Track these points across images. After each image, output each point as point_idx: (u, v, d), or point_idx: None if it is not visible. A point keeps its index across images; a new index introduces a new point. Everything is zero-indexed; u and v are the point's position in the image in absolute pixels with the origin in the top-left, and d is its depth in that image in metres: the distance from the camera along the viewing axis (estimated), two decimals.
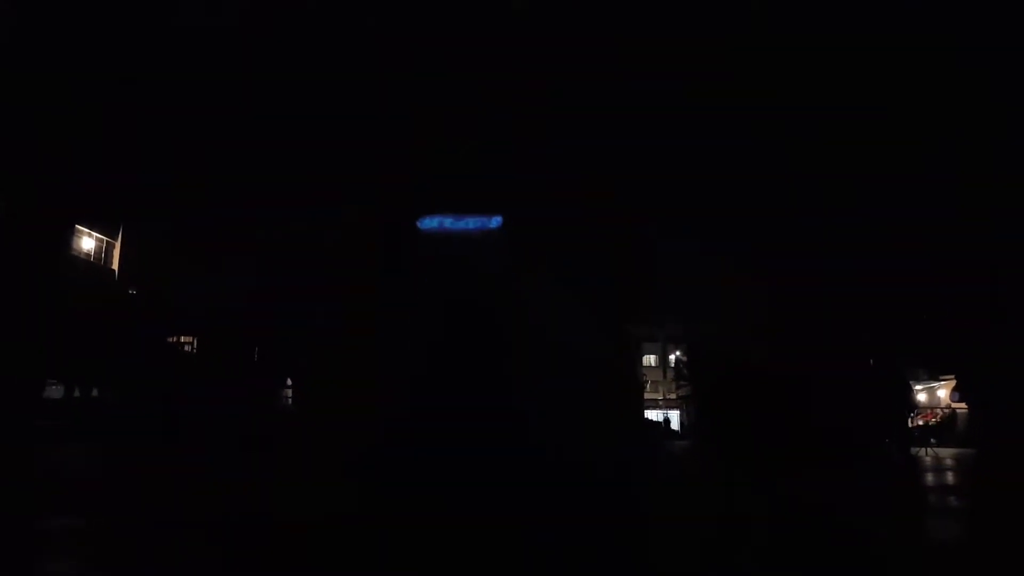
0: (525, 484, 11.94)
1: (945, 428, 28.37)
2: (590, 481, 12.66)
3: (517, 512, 8.47)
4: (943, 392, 32.13)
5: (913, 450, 19.21)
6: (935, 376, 32.74)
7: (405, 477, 13.82)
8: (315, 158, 27.88)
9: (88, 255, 29.17)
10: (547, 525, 7.26)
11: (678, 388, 44.43)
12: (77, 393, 25.85)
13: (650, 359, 49.58)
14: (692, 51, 23.22)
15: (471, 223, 23.62)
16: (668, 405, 47.24)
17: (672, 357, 48.97)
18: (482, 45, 25.71)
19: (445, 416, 20.85)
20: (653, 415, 44.50)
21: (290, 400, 27.35)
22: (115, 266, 30.18)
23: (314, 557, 5.41)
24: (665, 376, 49.43)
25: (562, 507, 8.82)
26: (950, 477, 12.84)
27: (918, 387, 32.05)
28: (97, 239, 29.50)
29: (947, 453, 19.40)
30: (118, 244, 30.22)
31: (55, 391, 25.63)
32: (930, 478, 12.21)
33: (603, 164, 26.92)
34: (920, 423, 26.48)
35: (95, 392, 25.50)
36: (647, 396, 42.72)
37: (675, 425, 43.43)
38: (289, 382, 27.90)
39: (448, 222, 23.38)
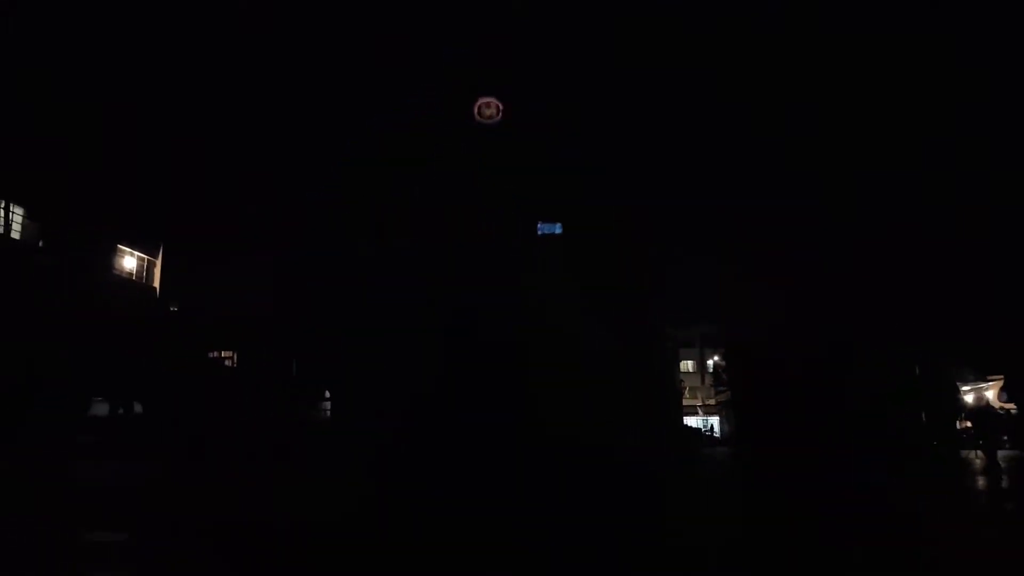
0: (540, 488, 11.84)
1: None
2: (614, 485, 12.51)
3: (528, 513, 8.42)
4: (991, 393, 31.21)
5: (962, 453, 18.66)
6: (982, 377, 31.82)
7: (427, 479, 13.84)
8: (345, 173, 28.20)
9: (130, 274, 29.77)
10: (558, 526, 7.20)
11: (717, 394, 43.92)
12: (121, 411, 26.28)
13: (688, 364, 48.97)
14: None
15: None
16: (707, 411, 46.58)
17: (710, 362, 48.34)
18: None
19: (462, 421, 20.95)
20: (693, 421, 43.95)
21: (328, 412, 27.57)
22: (156, 284, 30.77)
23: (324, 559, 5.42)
24: (703, 382, 48.79)
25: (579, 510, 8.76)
26: (1004, 480, 12.44)
27: (965, 388, 31.20)
28: (138, 258, 30.11)
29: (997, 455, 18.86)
30: (159, 262, 30.81)
31: (100, 408, 26.08)
32: (980, 481, 11.85)
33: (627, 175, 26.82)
34: (968, 425, 25.73)
35: (137, 408, 25.89)
36: (685, 402, 42.19)
37: (715, 431, 42.85)
38: (327, 394, 28.14)
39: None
